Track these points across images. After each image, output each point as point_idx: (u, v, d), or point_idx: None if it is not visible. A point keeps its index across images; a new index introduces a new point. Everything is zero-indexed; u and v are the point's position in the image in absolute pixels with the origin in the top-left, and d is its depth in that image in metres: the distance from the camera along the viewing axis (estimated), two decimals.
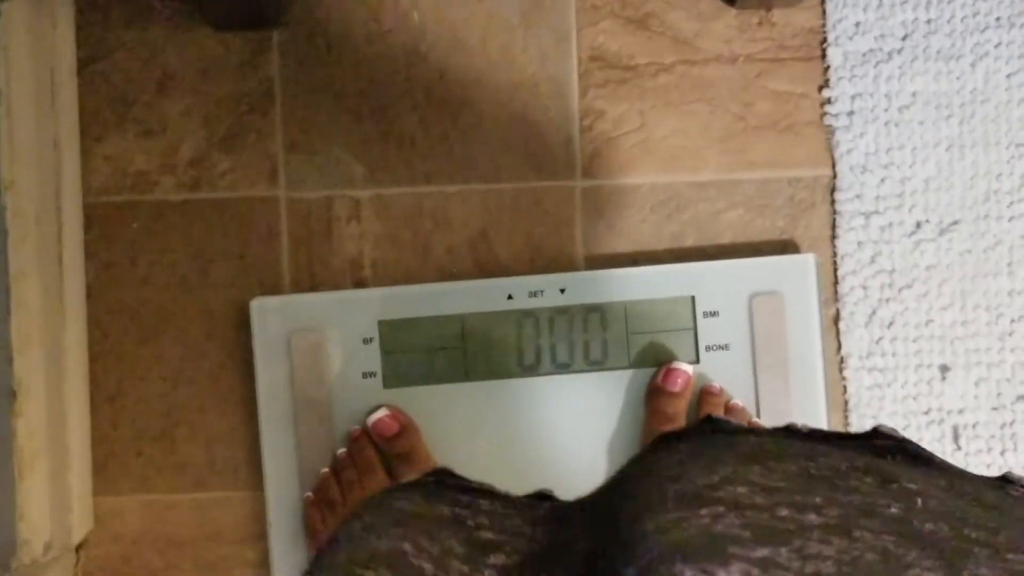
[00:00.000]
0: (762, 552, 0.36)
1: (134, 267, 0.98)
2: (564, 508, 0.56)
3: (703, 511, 0.40)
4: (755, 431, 0.54)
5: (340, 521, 0.58)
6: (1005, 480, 0.49)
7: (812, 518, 0.39)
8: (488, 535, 0.51)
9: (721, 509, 0.40)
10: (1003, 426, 0.98)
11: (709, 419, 0.55)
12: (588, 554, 0.45)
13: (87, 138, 0.98)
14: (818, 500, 0.41)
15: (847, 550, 0.37)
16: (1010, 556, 0.36)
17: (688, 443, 0.51)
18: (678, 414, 0.90)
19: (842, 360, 0.98)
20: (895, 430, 0.52)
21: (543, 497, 0.58)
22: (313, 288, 0.97)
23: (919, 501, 0.42)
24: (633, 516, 0.42)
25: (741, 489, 0.42)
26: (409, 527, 0.49)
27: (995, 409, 0.98)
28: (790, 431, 0.54)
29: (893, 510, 0.41)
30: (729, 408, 0.91)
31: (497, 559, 0.49)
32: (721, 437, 0.51)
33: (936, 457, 0.50)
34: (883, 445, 0.51)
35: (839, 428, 0.98)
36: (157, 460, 0.98)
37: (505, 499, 0.57)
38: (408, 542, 0.47)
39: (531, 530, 0.53)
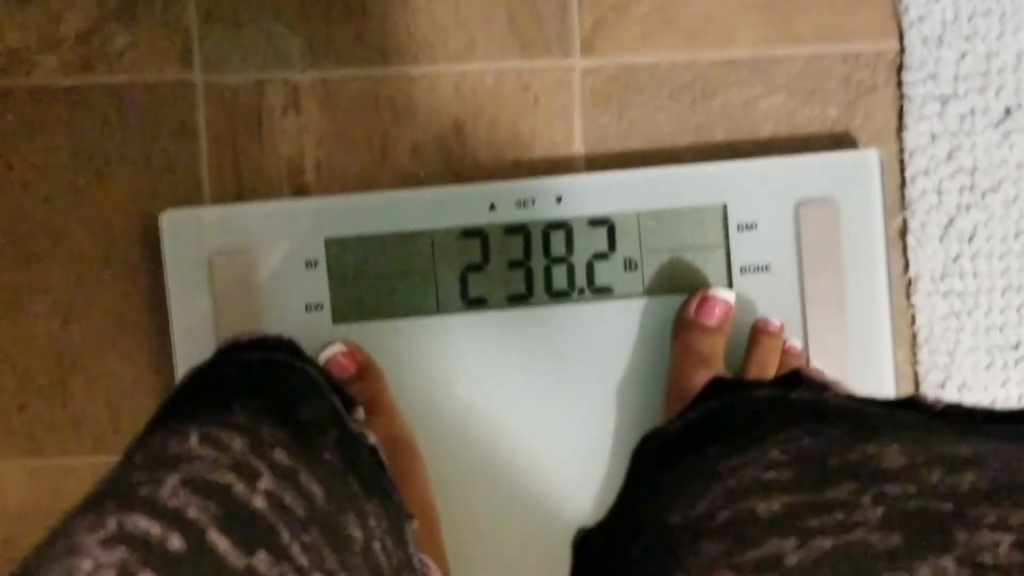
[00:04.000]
0: None
1: (9, 172, 0.90)
2: None
3: None
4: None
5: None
6: None
7: None
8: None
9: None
10: None
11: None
12: None
13: None
14: None
15: None
16: None
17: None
18: (715, 354, 0.83)
19: (910, 283, 0.91)
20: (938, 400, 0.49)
21: None
22: (240, 198, 0.91)
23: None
24: None
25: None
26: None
27: None
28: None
29: None
30: (785, 351, 0.84)
31: None
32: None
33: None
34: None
35: (907, 367, 0.91)
36: (46, 416, 0.92)
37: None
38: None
39: None
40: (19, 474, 0.91)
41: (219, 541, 0.40)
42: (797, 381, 0.53)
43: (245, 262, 0.86)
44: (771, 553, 0.38)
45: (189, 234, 0.87)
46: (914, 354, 0.91)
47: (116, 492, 0.43)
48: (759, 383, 0.53)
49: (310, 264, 0.87)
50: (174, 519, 0.41)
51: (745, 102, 0.89)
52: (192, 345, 0.87)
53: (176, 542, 0.39)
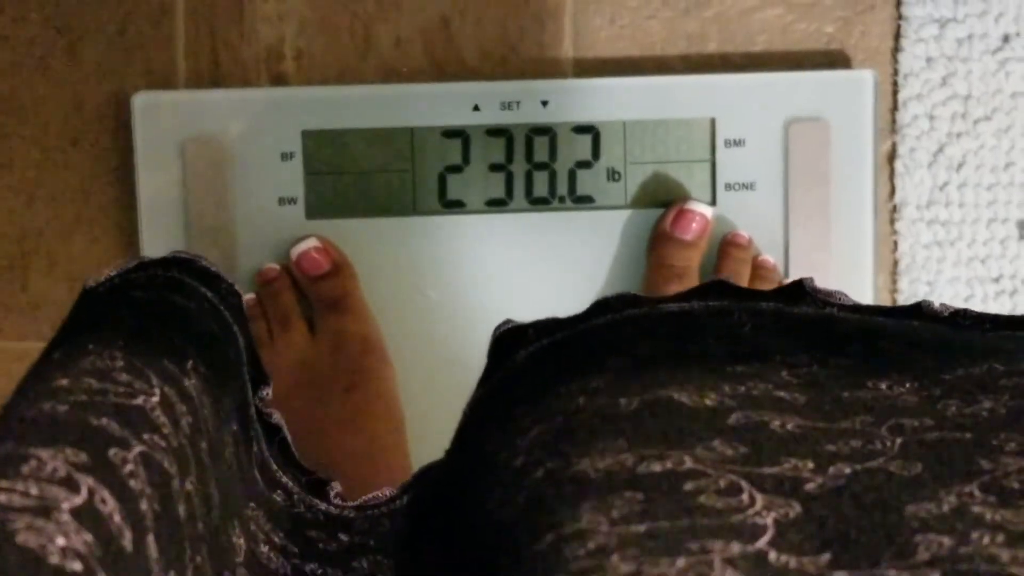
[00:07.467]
0: None
1: None
2: None
3: None
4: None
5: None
6: None
7: None
8: None
9: None
10: None
11: None
12: None
13: None
14: None
15: None
16: None
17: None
18: (689, 268, 0.83)
19: (895, 209, 0.91)
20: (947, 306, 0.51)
21: None
22: (216, 83, 0.90)
23: None
24: None
25: None
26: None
27: None
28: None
29: None
30: (757, 265, 0.85)
31: None
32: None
33: None
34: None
35: (886, 295, 0.92)
36: (5, 298, 0.91)
37: None
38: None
39: None
40: None
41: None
42: (800, 293, 0.52)
43: (218, 150, 0.86)
44: (789, 474, 0.37)
45: (162, 118, 0.86)
46: (894, 282, 0.91)
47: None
48: (761, 292, 0.52)
49: (286, 156, 0.87)
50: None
51: (740, 13, 0.89)
52: (159, 232, 0.87)
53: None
